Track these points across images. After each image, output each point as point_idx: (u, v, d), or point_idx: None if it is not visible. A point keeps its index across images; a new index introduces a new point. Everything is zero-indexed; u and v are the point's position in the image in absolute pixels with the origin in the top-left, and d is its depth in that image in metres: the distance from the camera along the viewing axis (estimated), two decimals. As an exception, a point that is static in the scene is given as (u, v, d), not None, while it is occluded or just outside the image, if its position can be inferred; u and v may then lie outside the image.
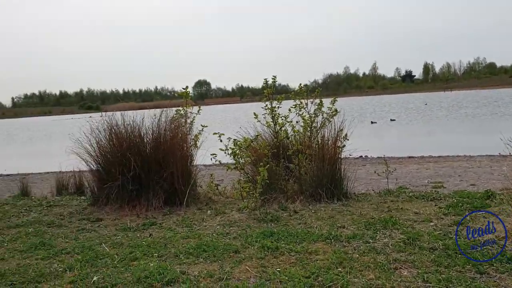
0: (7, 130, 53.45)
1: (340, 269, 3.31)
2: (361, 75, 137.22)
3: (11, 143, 32.89)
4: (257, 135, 6.21)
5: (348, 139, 5.89)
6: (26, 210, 6.26)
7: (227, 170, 6.23)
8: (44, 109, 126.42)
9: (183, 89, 6.78)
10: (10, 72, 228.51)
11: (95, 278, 3.36)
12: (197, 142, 6.38)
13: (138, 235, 4.63)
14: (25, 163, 17.24)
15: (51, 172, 12.53)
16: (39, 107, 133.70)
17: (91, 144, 6.22)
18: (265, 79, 6.43)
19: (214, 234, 4.43)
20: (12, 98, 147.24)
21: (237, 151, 6.06)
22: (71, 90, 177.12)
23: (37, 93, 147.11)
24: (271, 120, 6.39)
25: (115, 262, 3.74)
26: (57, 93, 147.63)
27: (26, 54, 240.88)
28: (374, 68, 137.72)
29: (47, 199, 7.11)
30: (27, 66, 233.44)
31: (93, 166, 6.26)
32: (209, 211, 5.50)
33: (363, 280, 3.10)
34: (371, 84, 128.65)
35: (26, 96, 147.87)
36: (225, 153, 6.13)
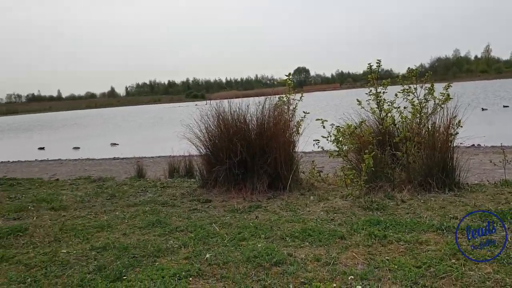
0: (122, 116, 57.99)
1: (453, 260, 3.17)
2: (472, 58, 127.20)
3: (127, 128, 35.65)
4: (362, 122, 6.08)
5: (461, 126, 5.54)
6: (142, 191, 6.77)
7: (329, 157, 6.20)
8: (154, 97, 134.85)
9: (286, 76, 6.85)
10: (124, 63, 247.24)
11: (208, 255, 3.56)
12: (299, 128, 6.42)
13: (245, 216, 4.80)
14: (139, 147, 18.63)
15: (162, 156, 13.42)
16: (149, 95, 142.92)
17: (201, 130, 6.53)
18: (369, 64, 6.27)
19: (319, 220, 4.46)
20: (126, 88, 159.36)
21: (340, 138, 6.00)
22: (178, 79, 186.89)
23: (147, 82, 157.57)
24: (376, 106, 6.21)
25: (225, 241, 3.93)
26: (166, 82, 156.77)
27: (137, 45, 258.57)
28: (487, 50, 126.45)
29: (160, 181, 7.62)
30: (139, 57, 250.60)
31: (202, 150, 6.58)
32: (312, 197, 5.53)
33: (480, 273, 2.93)
34: (483, 67, 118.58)
35: (138, 85, 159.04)
36: (327, 140, 6.09)
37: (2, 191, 7.26)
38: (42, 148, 23.71)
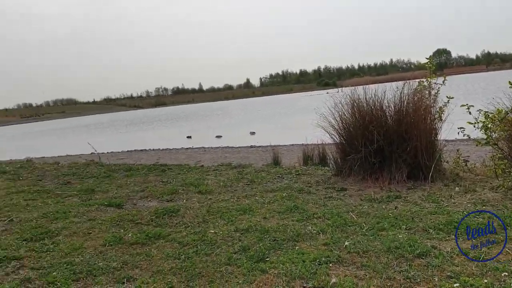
0: (258, 106, 60.19)
1: None
2: None
3: (262, 117, 36.96)
4: (515, 106, 5.49)
5: None
6: (279, 177, 6.98)
7: (476, 145, 5.74)
8: (286, 87, 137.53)
9: (427, 59, 6.48)
10: (259, 55, 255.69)
11: (346, 243, 3.58)
12: (442, 115, 6.04)
13: (383, 206, 4.70)
14: (274, 136, 19.21)
15: (296, 144, 13.68)
16: (282, 85, 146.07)
17: (334, 118, 6.51)
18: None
19: (465, 212, 4.17)
20: (260, 79, 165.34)
21: (490, 125, 5.50)
22: (310, 68, 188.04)
23: (280, 72, 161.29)
24: (534, 88, 5.56)
25: (364, 230, 3.90)
26: (298, 71, 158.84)
27: (270, 35, 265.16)
28: None
29: (295, 168, 7.79)
30: (272, 47, 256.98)
31: (336, 138, 6.57)
32: (457, 188, 5.19)
33: None
34: None
35: (271, 76, 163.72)
36: (474, 126, 5.64)
37: (155, 175, 8.06)
38: (189, 137, 25.89)
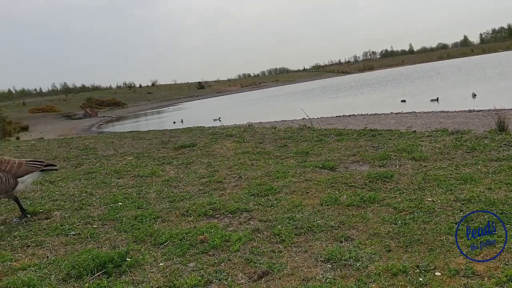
0: (478, 66, 54.32)
1: None
2: None
3: (483, 78, 33.29)
4: None
5: None
6: (505, 145, 6.24)
7: None
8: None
9: None
10: (478, 8, 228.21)
11: None
12: None
13: None
14: (499, 98, 17.14)
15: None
16: (507, 41, 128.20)
17: None
18: None
19: None
20: (480, 35, 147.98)
21: None
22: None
23: (505, 26, 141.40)
24: None
25: None
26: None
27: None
28: None
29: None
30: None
31: None
32: None
33: None
34: None
35: (494, 31, 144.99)
36: None
37: (366, 140, 8.06)
38: (404, 101, 25.05)
